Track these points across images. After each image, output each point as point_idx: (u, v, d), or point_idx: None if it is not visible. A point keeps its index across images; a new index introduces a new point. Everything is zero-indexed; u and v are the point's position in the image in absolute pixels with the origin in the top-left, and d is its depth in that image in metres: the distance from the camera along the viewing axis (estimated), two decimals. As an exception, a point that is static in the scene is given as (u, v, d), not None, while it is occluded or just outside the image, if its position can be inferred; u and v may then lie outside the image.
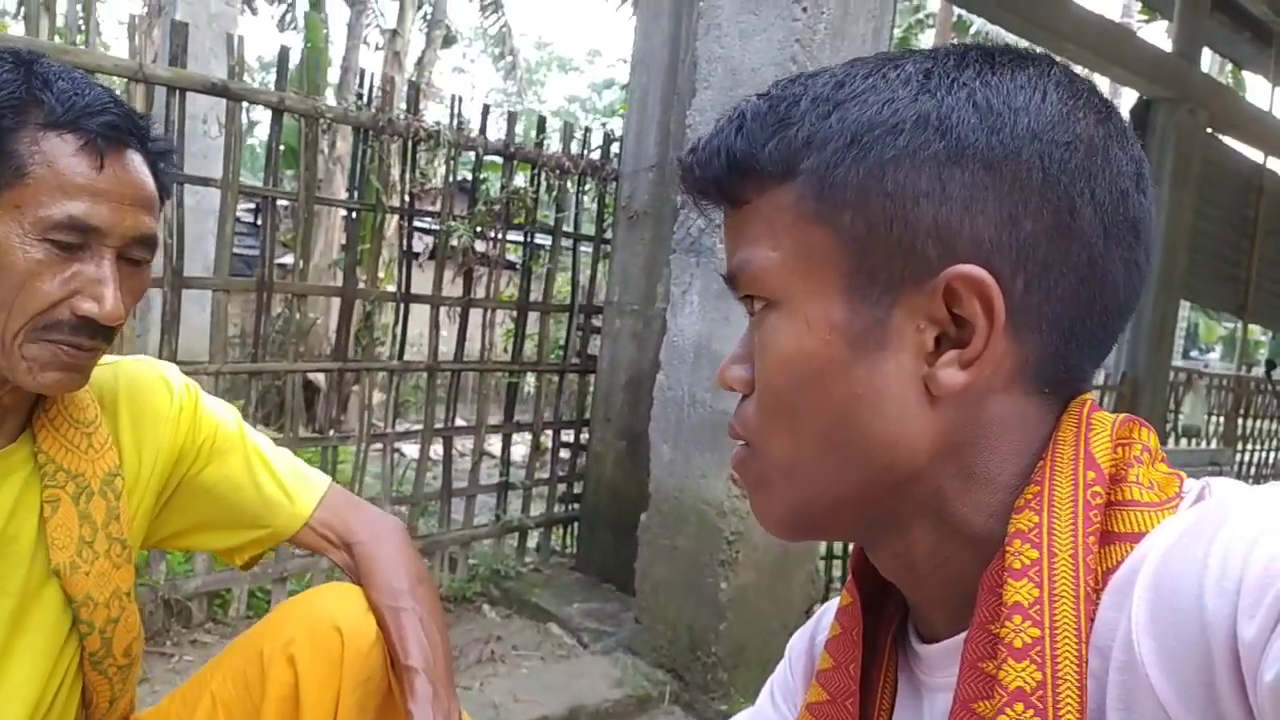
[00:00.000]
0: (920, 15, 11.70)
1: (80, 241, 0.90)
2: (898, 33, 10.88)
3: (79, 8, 3.10)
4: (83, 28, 2.86)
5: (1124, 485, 0.54)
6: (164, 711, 1.19)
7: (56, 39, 2.79)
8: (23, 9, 7.58)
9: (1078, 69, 0.61)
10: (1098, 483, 0.53)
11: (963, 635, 0.56)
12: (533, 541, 3.92)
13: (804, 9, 2.64)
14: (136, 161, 0.94)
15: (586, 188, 3.86)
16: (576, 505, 4.00)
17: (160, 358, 2.61)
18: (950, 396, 0.55)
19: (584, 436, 3.99)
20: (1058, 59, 0.59)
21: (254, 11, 11.68)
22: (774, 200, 0.58)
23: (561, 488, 4.01)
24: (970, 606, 0.55)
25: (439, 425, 3.52)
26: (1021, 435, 0.57)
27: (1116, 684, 0.49)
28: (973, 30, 11.13)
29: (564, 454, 4.09)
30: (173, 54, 2.67)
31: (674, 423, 2.85)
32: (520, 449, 4.12)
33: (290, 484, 1.22)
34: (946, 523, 0.58)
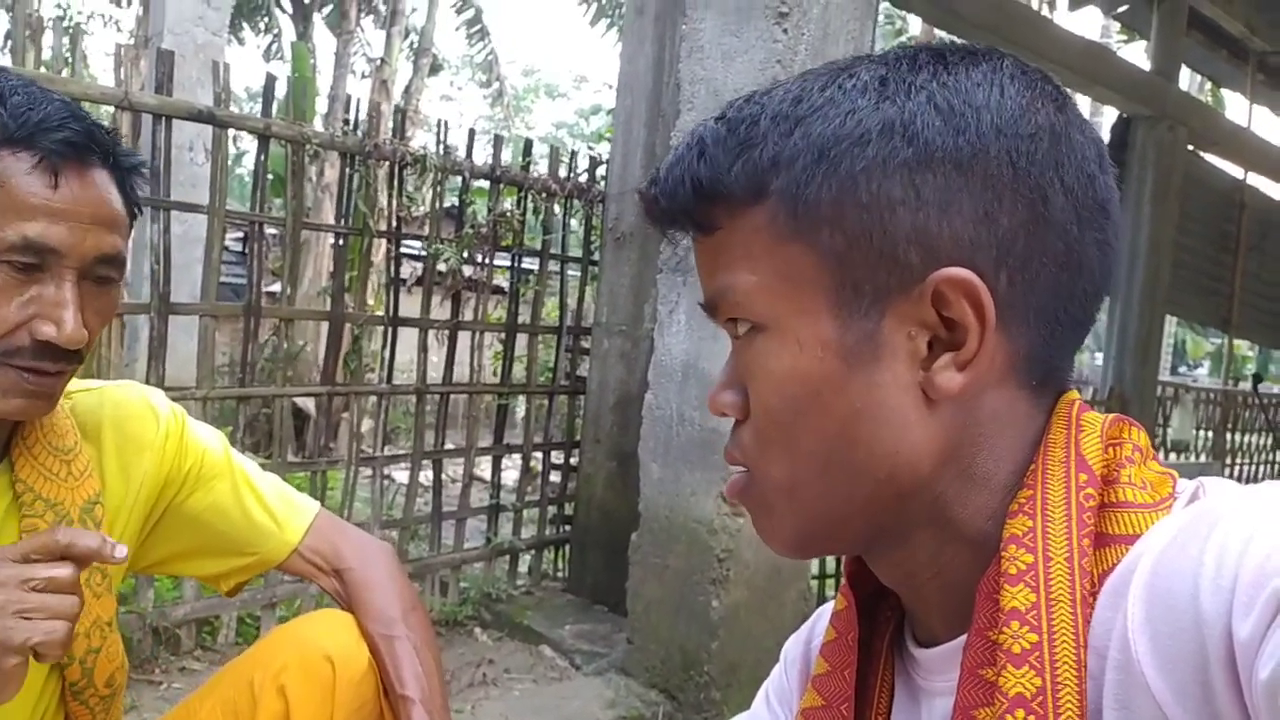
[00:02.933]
0: (902, 38, 11.85)
1: (38, 262, 0.87)
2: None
3: (66, 39, 3.11)
4: (69, 59, 2.87)
5: (1116, 486, 0.54)
6: None
7: (43, 69, 2.80)
8: (9, 42, 7.62)
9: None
10: (1090, 484, 0.53)
11: (961, 639, 0.56)
12: (524, 564, 3.91)
13: (784, 30, 2.68)
14: (99, 179, 0.92)
15: (573, 210, 3.88)
16: (568, 527, 3.99)
17: (147, 384, 2.62)
18: (949, 399, 0.55)
19: (574, 458, 3.99)
20: (1006, 53, 0.59)
21: (241, 42, 11.74)
22: (746, 223, 0.57)
23: (552, 509, 4.01)
24: (968, 610, 0.55)
25: (428, 449, 3.51)
26: (1015, 431, 0.57)
27: (1113, 683, 0.49)
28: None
29: (554, 476, 4.09)
30: (159, 81, 2.69)
31: (663, 441, 2.85)
32: (511, 472, 4.11)
33: (278, 510, 1.20)
34: (947, 529, 0.58)
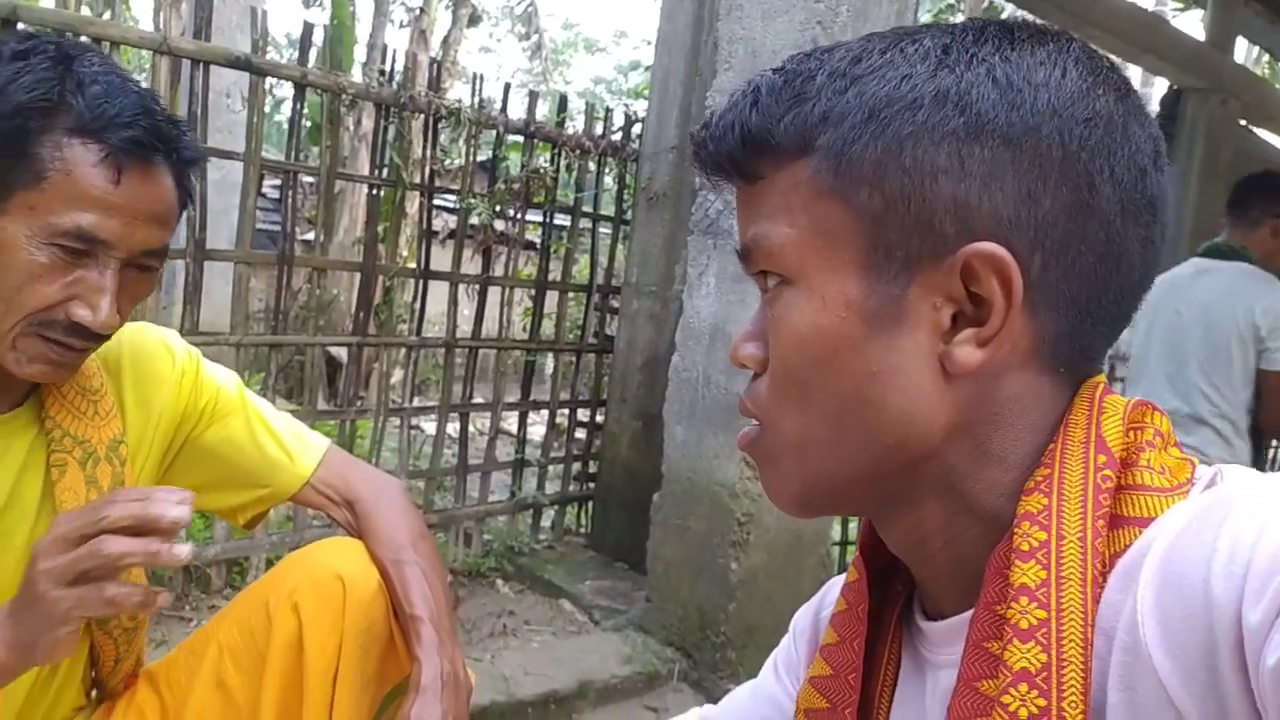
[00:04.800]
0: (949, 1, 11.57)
1: (87, 249, 0.90)
2: (926, 17, 10.74)
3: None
4: (110, 2, 2.89)
5: (1135, 469, 0.54)
6: (173, 661, 1.22)
7: (85, 10, 2.80)
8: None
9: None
10: (1108, 466, 0.53)
11: (968, 614, 0.57)
12: (547, 519, 3.95)
13: (828, -9, 2.63)
14: (159, 174, 0.94)
15: (607, 168, 3.86)
16: (591, 484, 4.02)
17: (182, 329, 2.66)
18: (966, 374, 0.55)
19: (600, 416, 4.01)
20: (1076, 37, 0.59)
21: (282, -13, 11.71)
22: (789, 176, 0.58)
23: (577, 466, 4.04)
24: (978, 585, 0.55)
25: (456, 402, 3.54)
26: (1035, 414, 0.57)
27: (1119, 664, 0.49)
28: (1004, 16, 10.98)
29: (580, 433, 4.12)
30: (197, 27, 2.70)
31: (688, 404, 2.86)
32: (537, 428, 4.14)
33: (291, 445, 1.24)
34: (958, 500, 0.58)
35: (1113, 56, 0.75)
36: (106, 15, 2.67)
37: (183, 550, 0.84)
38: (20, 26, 2.38)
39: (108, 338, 0.98)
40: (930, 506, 0.59)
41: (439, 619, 1.12)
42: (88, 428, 1.05)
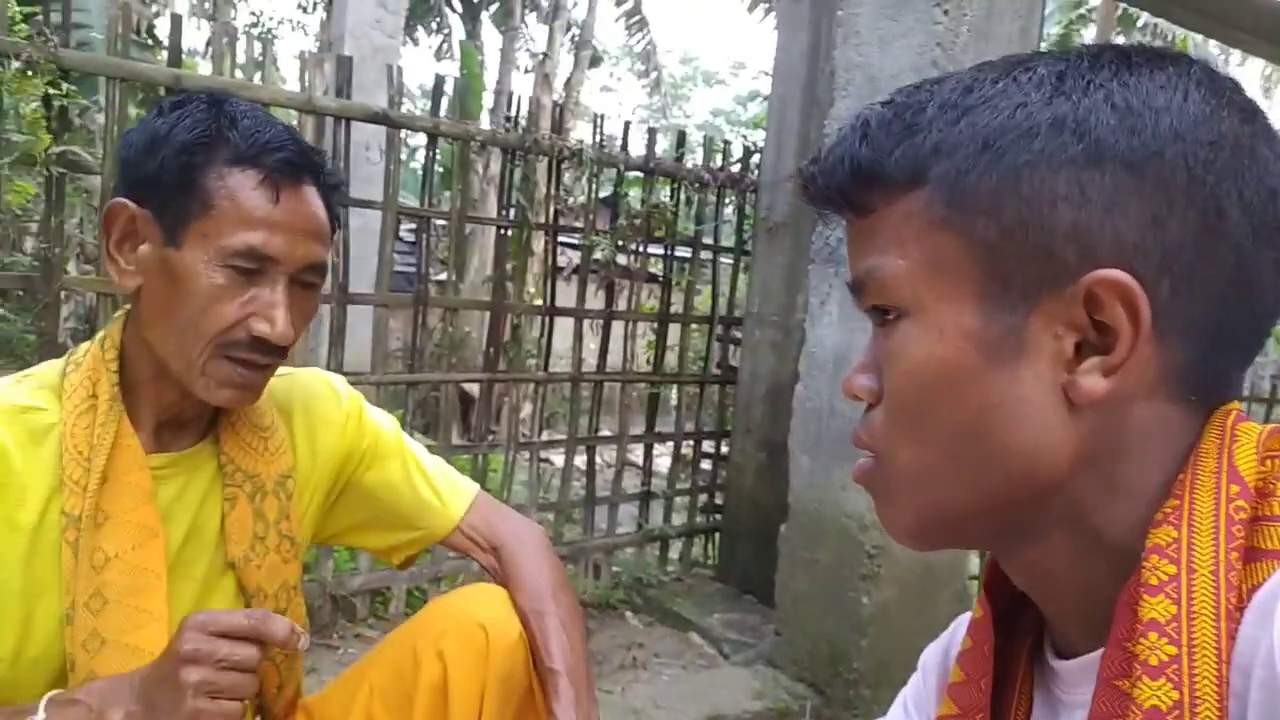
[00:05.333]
0: (1082, 10, 11.14)
1: (257, 267, 0.98)
2: (1056, 29, 10.35)
3: (258, 46, 3.39)
4: (261, 64, 3.12)
5: (1272, 500, 0.51)
6: (327, 698, 1.28)
7: (238, 74, 3.04)
8: (210, 49, 8.35)
9: (1258, 63, 0.58)
10: (1242, 496, 0.51)
11: (1099, 651, 0.55)
12: (675, 551, 3.96)
13: (945, 11, 2.59)
14: (310, 194, 1.02)
15: (727, 200, 3.89)
16: (718, 515, 4.01)
17: (328, 369, 2.81)
18: (1091, 404, 0.54)
19: (725, 447, 4.01)
20: (1197, 59, 0.57)
21: (415, 42, 12.33)
22: (901, 208, 0.58)
23: (703, 498, 4.04)
24: (1108, 622, 0.54)
25: (583, 435, 3.61)
26: (1164, 444, 0.55)
27: (1258, 702, 0.47)
28: (1140, 24, 10.48)
29: (705, 464, 4.12)
30: (339, 86, 2.88)
31: (813, 434, 2.83)
32: (663, 459, 4.17)
33: (442, 489, 1.29)
34: (1084, 535, 0.56)
35: (1264, 60, 0.71)
36: (257, 77, 2.89)
37: (305, 642, 0.95)
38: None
39: (285, 353, 1.04)
40: (1055, 541, 0.58)
41: (576, 673, 1.15)
42: (258, 463, 1.13)
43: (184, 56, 2.76)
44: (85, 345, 1.06)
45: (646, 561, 3.78)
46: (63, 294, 2.63)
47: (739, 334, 3.97)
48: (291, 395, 1.21)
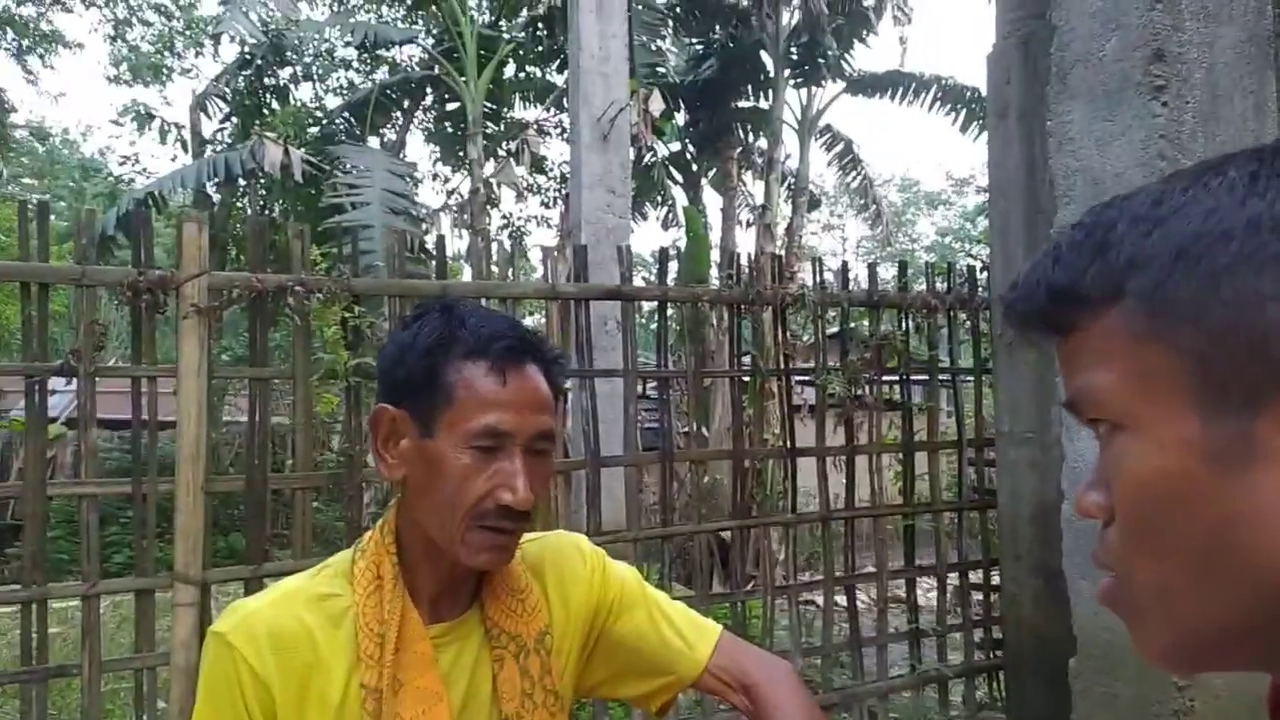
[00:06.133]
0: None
1: (496, 444, 1.12)
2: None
3: (508, 244, 3.89)
4: (511, 262, 3.61)
5: None
6: None
7: (494, 270, 3.45)
8: (469, 253, 9.44)
9: None
10: None
11: None
12: (956, 693, 3.71)
13: (1164, 104, 2.52)
14: (533, 372, 1.16)
15: (960, 320, 3.83)
16: (998, 652, 3.74)
17: (586, 530, 3.00)
18: None
19: (995, 576, 3.78)
20: None
21: (644, 217, 13.23)
22: (1103, 324, 0.58)
23: (979, 633, 3.79)
24: None
25: (840, 574, 3.55)
26: None
27: None
28: None
29: (976, 596, 3.89)
30: (577, 271, 3.20)
31: (1089, 555, 2.62)
32: (930, 593, 3.99)
33: (688, 633, 1.35)
34: None
35: None
36: (509, 274, 3.30)
37: None
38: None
39: (529, 517, 1.17)
40: None
41: None
42: (518, 623, 1.25)
43: (450, 262, 3.18)
44: (369, 533, 1.24)
45: (925, 705, 3.57)
46: (363, 484, 3.02)
47: (992, 455, 3.80)
48: (542, 557, 1.33)
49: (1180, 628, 0.57)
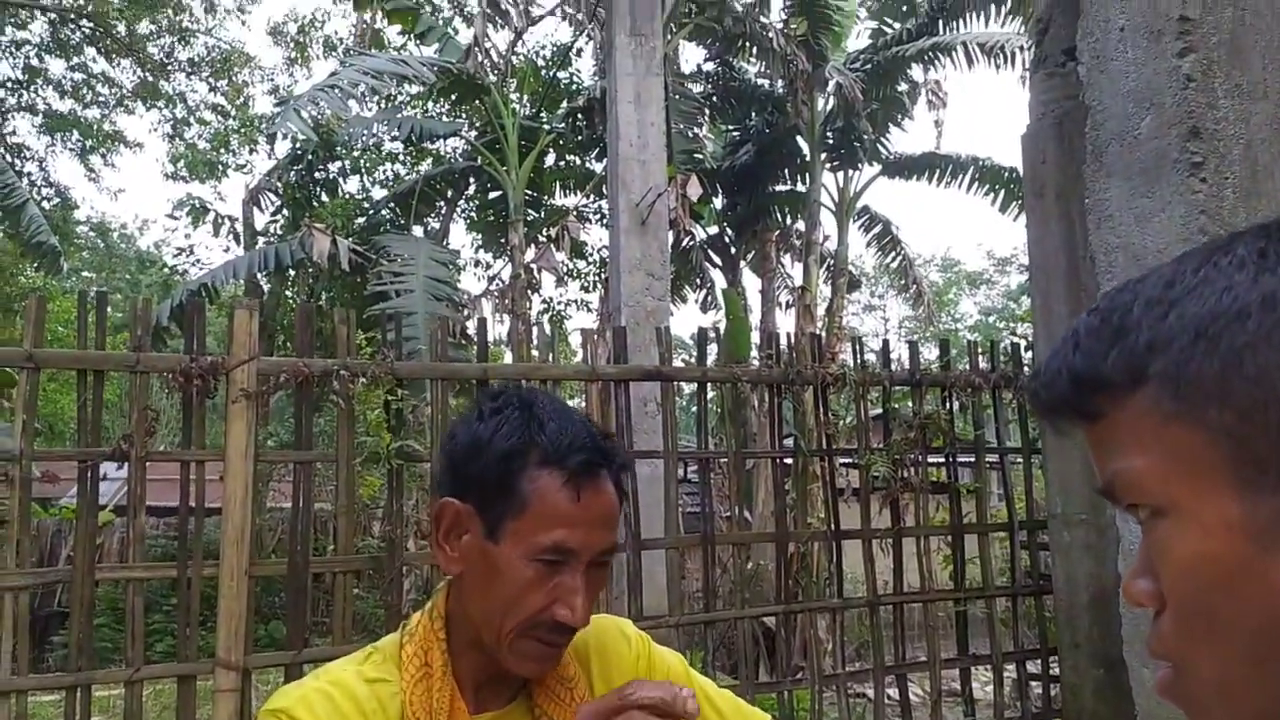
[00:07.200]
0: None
1: (560, 560, 1.10)
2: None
3: (548, 328, 3.94)
4: (552, 346, 3.65)
5: None
6: None
7: (534, 354, 3.48)
8: (510, 339, 9.59)
9: None
10: None
11: None
12: (1016, 791, 3.54)
13: (1202, 179, 2.52)
14: (605, 484, 1.13)
15: (1006, 399, 3.77)
16: (1059, 747, 3.57)
17: (629, 614, 2.95)
18: None
19: (1054, 666, 3.63)
20: None
21: (683, 299, 13.35)
22: (1129, 409, 0.57)
23: (1038, 727, 3.63)
24: None
25: (890, 663, 3.43)
26: None
27: None
28: None
29: (1034, 687, 3.73)
30: (616, 354, 3.22)
31: (1145, 641, 2.52)
32: (985, 684, 3.84)
33: None
34: None
35: None
36: (549, 357, 3.34)
37: (693, 704, 0.95)
38: (492, 382, 3.03)
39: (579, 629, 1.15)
40: None
41: None
42: (567, 713, 1.22)
43: (491, 346, 3.23)
44: (416, 616, 1.22)
45: (985, 805, 3.40)
46: (404, 569, 3.01)
47: (1045, 538, 3.69)
48: (587, 643, 1.30)
49: (1243, 717, 0.55)
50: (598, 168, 11.75)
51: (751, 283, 13.55)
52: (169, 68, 16.12)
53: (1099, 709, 3.31)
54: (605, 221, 10.52)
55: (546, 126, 10.91)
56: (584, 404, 3.24)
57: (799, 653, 5.38)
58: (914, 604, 3.60)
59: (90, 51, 15.59)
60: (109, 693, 5.17)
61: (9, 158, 13.54)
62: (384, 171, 13.46)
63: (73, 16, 14.95)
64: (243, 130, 16.17)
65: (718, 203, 11.93)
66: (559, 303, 14.29)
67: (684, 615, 3.20)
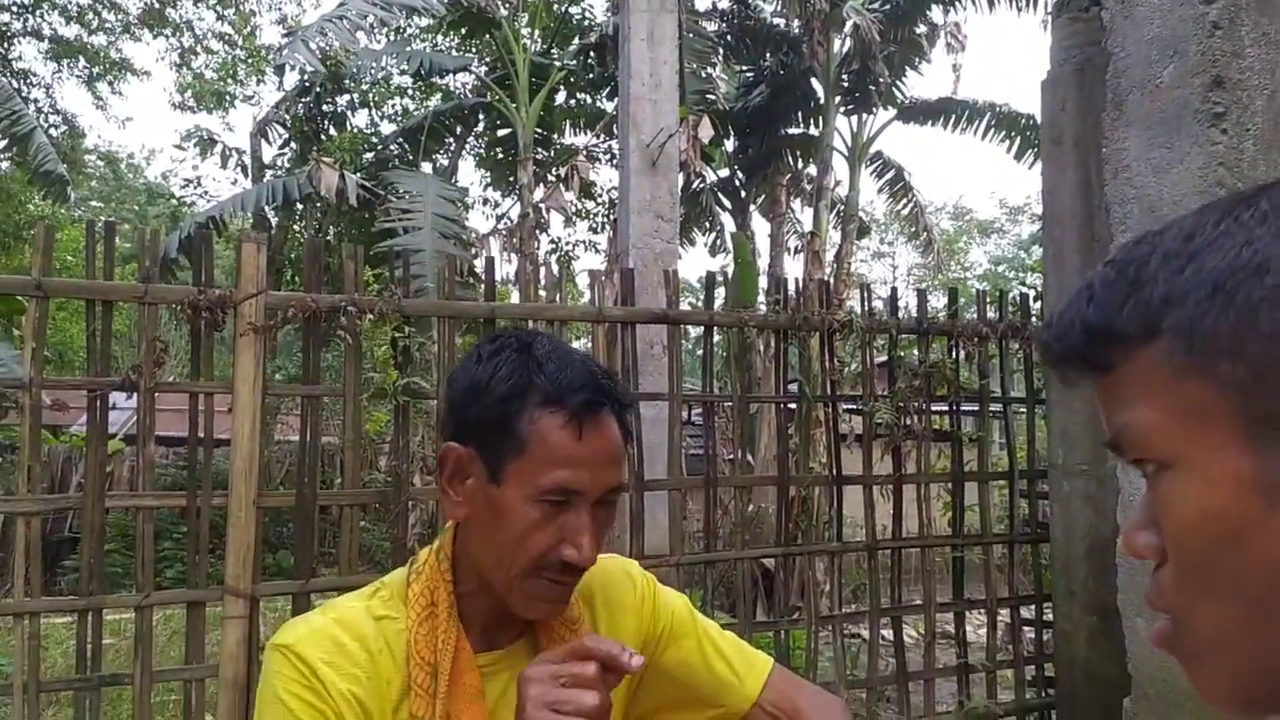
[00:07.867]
0: None
1: (565, 499, 1.10)
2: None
3: (555, 269, 3.94)
4: (559, 286, 3.64)
5: None
6: None
7: (542, 294, 3.48)
8: (517, 278, 9.56)
9: None
10: None
11: None
12: (1005, 732, 3.62)
13: (1223, 130, 2.47)
14: (608, 423, 1.13)
15: (1012, 349, 3.77)
16: (1050, 690, 3.64)
17: (630, 554, 2.99)
18: None
19: (1048, 612, 3.68)
20: None
21: (691, 242, 13.25)
22: (1141, 361, 0.57)
23: (1030, 670, 3.70)
24: None
25: (886, 606, 3.49)
26: None
27: None
28: None
29: (1027, 632, 3.79)
30: (624, 296, 3.21)
31: (1144, 592, 2.55)
32: (979, 628, 3.90)
33: (738, 665, 1.32)
34: None
35: None
36: (556, 298, 3.33)
37: (636, 660, 0.98)
38: (498, 322, 3.04)
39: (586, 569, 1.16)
40: None
41: None
42: None
43: (498, 286, 3.22)
44: (424, 553, 1.23)
45: (974, 744, 3.49)
46: (409, 504, 3.05)
47: (1045, 488, 3.72)
48: (591, 584, 1.30)
49: (1240, 670, 0.56)
50: (609, 107, 11.59)
51: (761, 227, 13.46)
52: (175, -8, 15.85)
53: (1091, 655, 3.37)
54: (615, 162, 10.40)
55: (558, 63, 10.73)
56: (590, 345, 3.25)
57: (796, 594, 5.47)
58: (912, 549, 3.64)
59: (96, -26, 15.33)
60: (119, 616, 5.29)
61: (16, 84, 13.39)
62: (393, 106, 13.30)
63: (77, -61, 14.67)
64: (250, 61, 15.95)
65: (729, 145, 11.76)
66: (567, 243, 14.23)
67: (685, 555, 3.24)
